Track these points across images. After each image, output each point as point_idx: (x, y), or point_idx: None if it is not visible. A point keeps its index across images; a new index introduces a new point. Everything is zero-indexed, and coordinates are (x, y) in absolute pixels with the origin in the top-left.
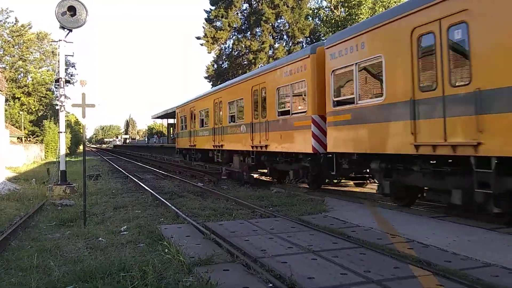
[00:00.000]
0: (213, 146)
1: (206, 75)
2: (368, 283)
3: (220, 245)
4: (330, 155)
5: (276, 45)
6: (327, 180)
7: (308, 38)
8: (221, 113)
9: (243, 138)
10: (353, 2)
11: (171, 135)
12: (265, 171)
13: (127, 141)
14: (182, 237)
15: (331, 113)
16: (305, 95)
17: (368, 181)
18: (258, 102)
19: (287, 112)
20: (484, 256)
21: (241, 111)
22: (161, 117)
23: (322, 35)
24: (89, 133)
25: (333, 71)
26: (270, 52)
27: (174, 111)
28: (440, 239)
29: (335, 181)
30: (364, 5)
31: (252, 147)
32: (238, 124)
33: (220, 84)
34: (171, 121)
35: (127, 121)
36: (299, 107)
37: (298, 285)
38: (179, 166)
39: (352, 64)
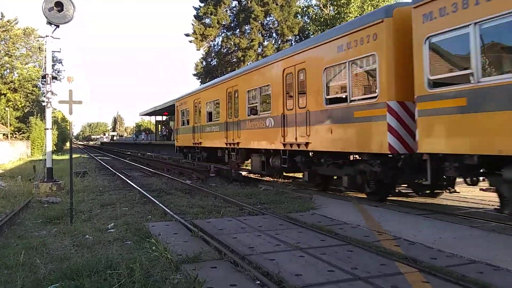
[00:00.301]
0: (226, 143)
1: (195, 72)
2: (354, 280)
3: (208, 242)
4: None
5: (265, 43)
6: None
7: (297, 36)
8: (236, 104)
9: (269, 133)
10: (342, 1)
11: (160, 133)
12: (300, 175)
13: (115, 138)
14: (170, 234)
15: (426, 97)
16: (373, 75)
17: (447, 190)
18: (293, 88)
19: (340, 100)
20: (469, 253)
21: (266, 101)
22: (149, 114)
23: (311, 33)
24: (76, 130)
25: (428, 38)
26: (259, 50)
27: (163, 108)
28: (426, 236)
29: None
30: (353, 4)
31: (284, 145)
32: (261, 117)
33: (229, 73)
34: (159, 118)
35: (115, 118)
36: (363, 92)
37: (286, 282)
38: (167, 164)
39: (468, 25)
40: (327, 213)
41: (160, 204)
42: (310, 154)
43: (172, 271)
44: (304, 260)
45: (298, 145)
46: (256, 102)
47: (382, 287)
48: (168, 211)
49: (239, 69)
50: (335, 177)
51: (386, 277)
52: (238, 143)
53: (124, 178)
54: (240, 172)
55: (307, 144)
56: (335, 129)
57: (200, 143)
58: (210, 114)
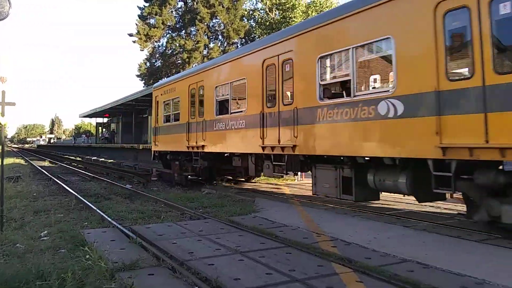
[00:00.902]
0: (262, 146)
1: (138, 73)
2: (292, 282)
3: (146, 249)
4: None
5: (211, 45)
6: None
7: (243, 39)
8: (295, 83)
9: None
10: (287, 5)
11: (101, 135)
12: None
13: (52, 140)
14: (107, 241)
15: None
16: None
17: None
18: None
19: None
20: (401, 252)
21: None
22: (90, 116)
23: (257, 36)
24: (10, 132)
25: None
26: (205, 52)
27: (104, 110)
28: (362, 237)
29: None
30: (298, 9)
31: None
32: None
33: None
34: (100, 120)
35: (53, 120)
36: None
37: (224, 286)
38: (107, 167)
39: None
40: (268, 215)
41: (97, 210)
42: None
43: (106, 279)
44: (244, 264)
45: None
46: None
47: None
48: (106, 217)
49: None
50: None
51: (323, 278)
52: (294, 146)
53: (61, 183)
54: (183, 175)
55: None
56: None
57: (203, 146)
58: (222, 104)
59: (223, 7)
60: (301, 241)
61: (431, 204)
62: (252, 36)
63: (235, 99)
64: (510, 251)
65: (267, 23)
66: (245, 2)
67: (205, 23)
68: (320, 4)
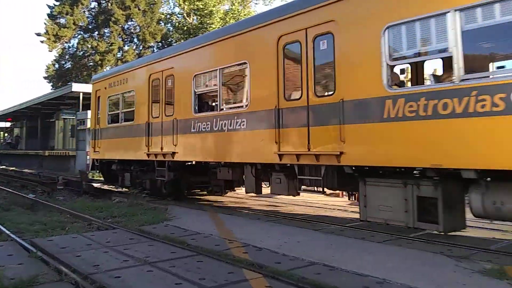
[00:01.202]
0: (278, 153)
1: (46, 75)
2: None
3: (48, 263)
4: None
5: (126, 48)
6: None
7: (160, 43)
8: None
9: None
10: (205, 11)
11: (3, 140)
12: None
13: None
14: (3, 256)
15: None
16: None
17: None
18: None
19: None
20: (310, 255)
21: None
22: None
23: (174, 41)
24: None
25: None
26: (119, 55)
27: (6, 114)
28: (273, 242)
29: None
30: (216, 16)
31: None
32: None
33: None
34: (2, 124)
35: None
36: None
37: None
38: (8, 176)
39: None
40: (181, 223)
41: None
42: None
43: None
44: (152, 275)
45: None
46: None
47: None
48: (4, 229)
49: None
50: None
51: (233, 284)
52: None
53: None
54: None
55: None
56: None
57: (173, 154)
58: (206, 98)
59: (139, 9)
60: (213, 249)
61: (339, 207)
62: (169, 40)
63: (229, 91)
64: (410, 250)
65: (185, 28)
66: (162, 6)
67: (120, 25)
68: (238, 12)
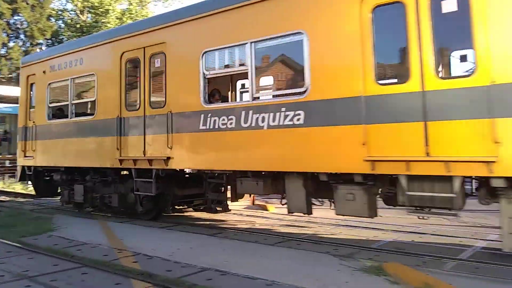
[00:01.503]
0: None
1: None
2: None
3: None
4: None
5: (11, 44)
6: None
7: (50, 40)
8: None
9: None
10: (100, 10)
11: None
12: None
13: None
14: None
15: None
16: None
17: None
18: None
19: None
20: (202, 261)
21: None
22: None
23: (66, 38)
24: None
25: None
26: (3, 51)
27: None
28: (165, 249)
29: None
30: (112, 15)
31: None
32: None
33: None
34: None
35: None
36: None
37: None
38: None
39: None
40: (67, 234)
41: None
42: None
43: None
44: None
45: None
46: None
47: None
48: None
49: None
50: None
51: None
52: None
53: None
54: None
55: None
56: None
57: (168, 159)
58: (222, 83)
59: (27, 3)
60: (100, 259)
61: (235, 211)
62: (61, 37)
63: (264, 72)
64: (299, 251)
65: (78, 26)
66: (53, 1)
67: (5, 20)
68: (136, 13)
